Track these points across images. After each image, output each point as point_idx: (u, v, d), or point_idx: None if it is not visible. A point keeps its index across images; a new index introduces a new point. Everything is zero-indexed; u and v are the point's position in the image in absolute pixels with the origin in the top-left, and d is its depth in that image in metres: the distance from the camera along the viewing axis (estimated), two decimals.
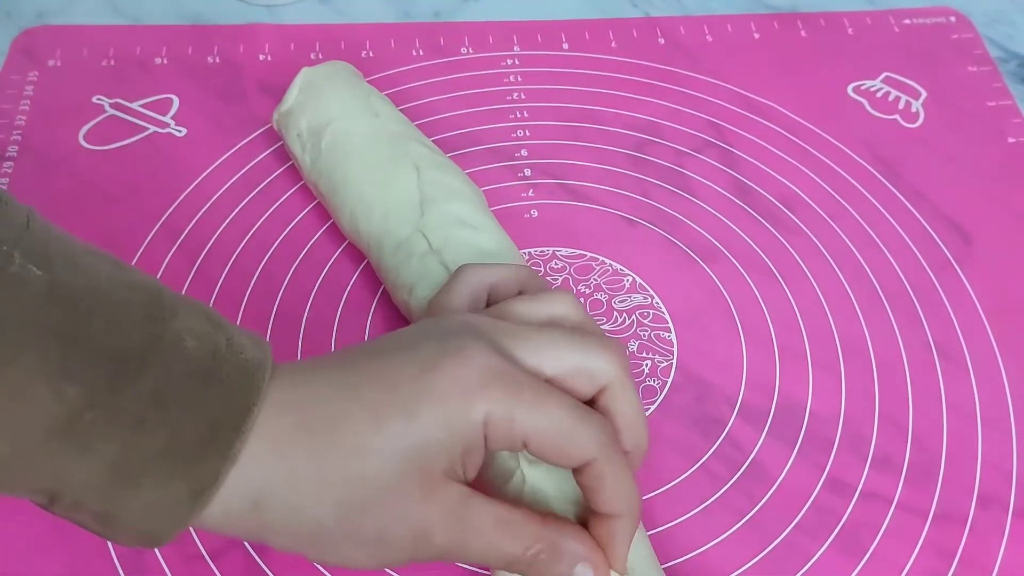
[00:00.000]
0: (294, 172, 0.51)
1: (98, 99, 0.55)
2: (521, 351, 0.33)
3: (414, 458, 0.30)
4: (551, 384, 0.33)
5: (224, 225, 0.49)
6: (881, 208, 0.51)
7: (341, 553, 0.32)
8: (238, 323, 0.44)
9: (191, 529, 0.39)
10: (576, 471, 0.33)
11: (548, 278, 0.48)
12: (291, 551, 0.32)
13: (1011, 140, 0.55)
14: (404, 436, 0.30)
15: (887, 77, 0.58)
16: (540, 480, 0.35)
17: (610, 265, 0.49)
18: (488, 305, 0.38)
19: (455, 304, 0.38)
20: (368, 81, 0.52)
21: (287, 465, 0.30)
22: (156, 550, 0.38)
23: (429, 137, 0.50)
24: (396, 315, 0.45)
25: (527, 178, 0.52)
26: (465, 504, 0.31)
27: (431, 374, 0.31)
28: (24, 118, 0.53)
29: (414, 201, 0.44)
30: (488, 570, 0.38)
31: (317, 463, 0.30)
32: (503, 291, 0.38)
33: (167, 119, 0.54)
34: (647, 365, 0.45)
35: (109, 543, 0.39)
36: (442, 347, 0.31)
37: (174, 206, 0.50)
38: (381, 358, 0.32)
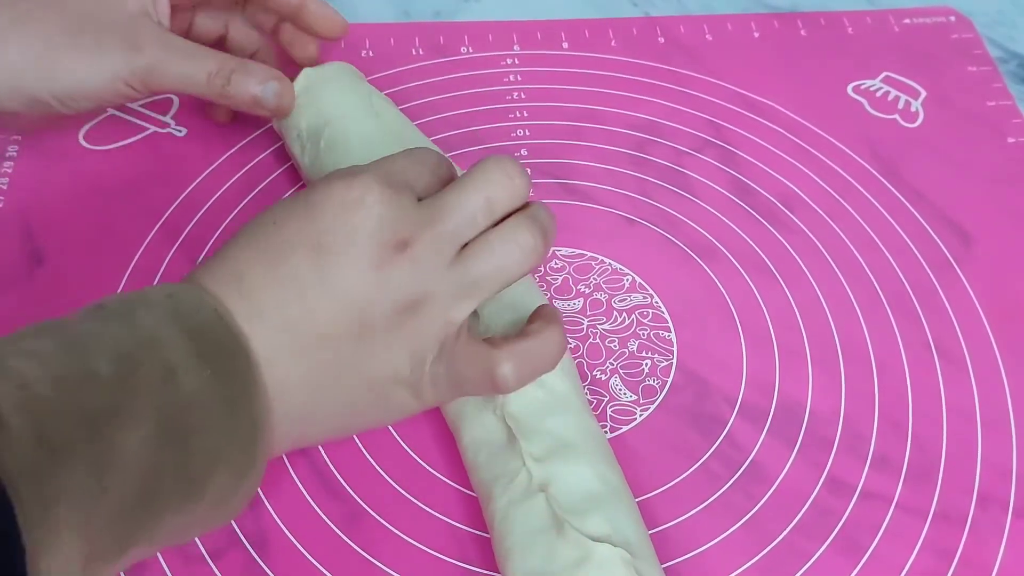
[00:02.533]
0: (294, 172, 0.51)
1: None
2: None
3: (108, 7, 0.44)
4: None
5: (224, 225, 0.49)
6: (881, 208, 0.51)
7: (68, 68, 0.43)
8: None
9: None
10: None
11: (548, 278, 0.48)
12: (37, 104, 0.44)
13: (1011, 140, 0.55)
14: None
15: (887, 77, 0.58)
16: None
17: (610, 264, 0.49)
18: None
19: None
20: (368, 81, 0.52)
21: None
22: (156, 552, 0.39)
23: (429, 137, 0.51)
24: None
25: None
26: (163, 30, 0.46)
27: None
28: None
29: None
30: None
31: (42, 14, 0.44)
32: None
33: (167, 119, 0.54)
34: (647, 364, 0.45)
35: None
36: None
37: (174, 206, 0.50)
38: None
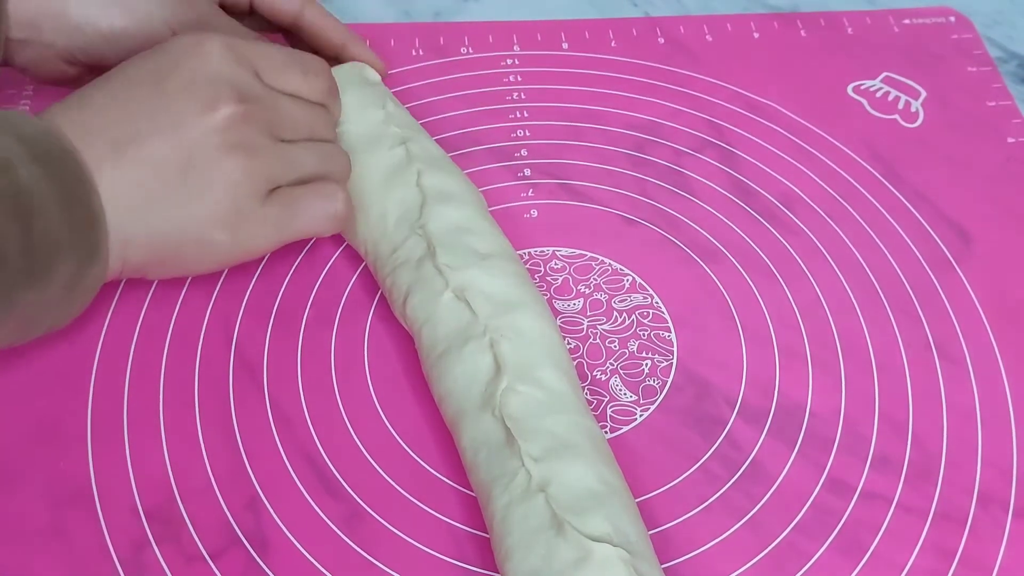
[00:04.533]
0: None
1: None
2: None
3: None
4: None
5: None
6: (881, 208, 0.51)
7: (122, 7, 0.44)
8: (237, 323, 0.44)
9: (191, 528, 0.39)
10: (297, 30, 0.51)
11: (548, 278, 0.48)
12: None
13: (1011, 140, 0.55)
14: None
15: (887, 77, 0.58)
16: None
17: (610, 265, 0.49)
18: None
19: None
20: None
21: None
22: (157, 550, 0.39)
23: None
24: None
25: (527, 178, 0.52)
26: None
27: None
28: None
29: (412, 204, 0.44)
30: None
31: None
32: None
33: None
34: (647, 365, 0.45)
35: (109, 544, 0.39)
36: None
37: None
38: None
